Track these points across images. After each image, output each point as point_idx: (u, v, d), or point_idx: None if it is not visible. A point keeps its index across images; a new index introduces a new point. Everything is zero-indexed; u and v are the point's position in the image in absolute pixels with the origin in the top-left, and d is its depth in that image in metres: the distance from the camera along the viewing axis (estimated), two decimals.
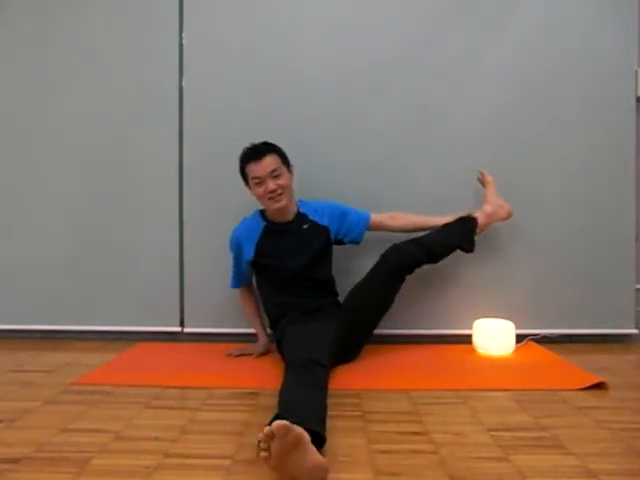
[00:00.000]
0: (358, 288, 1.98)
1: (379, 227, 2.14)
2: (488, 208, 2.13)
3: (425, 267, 2.01)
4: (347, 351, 1.92)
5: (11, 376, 1.84)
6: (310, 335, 1.73)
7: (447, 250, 2.06)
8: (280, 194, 1.95)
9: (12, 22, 2.35)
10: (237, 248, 2.07)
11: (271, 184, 1.93)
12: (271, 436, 1.06)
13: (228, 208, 2.24)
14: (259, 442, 1.08)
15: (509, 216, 2.18)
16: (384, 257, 1.97)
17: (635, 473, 1.14)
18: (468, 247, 2.08)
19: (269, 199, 1.96)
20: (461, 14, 2.26)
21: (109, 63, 2.33)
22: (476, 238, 2.09)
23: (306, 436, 1.08)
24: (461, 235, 2.07)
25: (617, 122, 2.27)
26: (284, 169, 1.98)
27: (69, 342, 2.31)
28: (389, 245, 1.99)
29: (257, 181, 1.95)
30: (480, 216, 2.12)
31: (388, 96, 2.27)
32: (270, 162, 1.94)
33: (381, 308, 1.99)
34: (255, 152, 1.96)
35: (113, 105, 2.33)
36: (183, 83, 2.32)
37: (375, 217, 2.13)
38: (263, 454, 1.07)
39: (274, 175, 1.94)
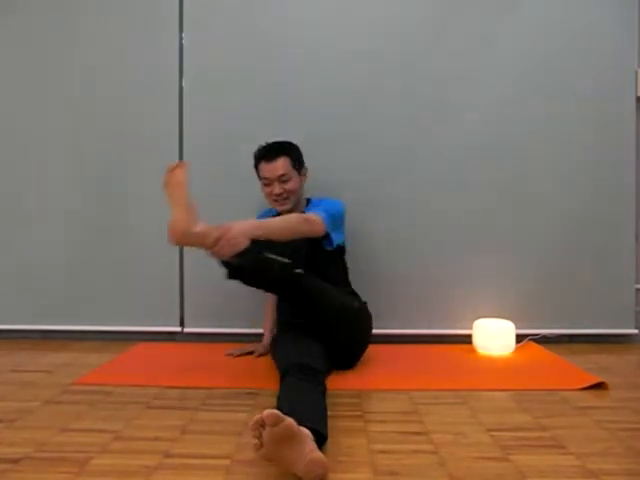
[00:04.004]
0: None
1: None
2: None
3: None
4: (342, 359, 1.83)
5: (11, 376, 1.83)
6: (303, 343, 1.68)
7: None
8: (285, 198, 1.96)
9: (12, 22, 2.35)
10: None
11: (277, 188, 1.93)
12: (261, 424, 1.05)
13: (228, 208, 2.24)
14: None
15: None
16: None
17: (635, 473, 1.14)
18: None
19: (274, 200, 1.97)
20: (461, 14, 2.26)
21: (109, 63, 2.33)
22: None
23: (304, 431, 1.08)
24: None
25: (617, 122, 2.27)
26: (294, 173, 1.97)
27: (69, 342, 2.31)
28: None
29: (265, 182, 1.97)
30: None
31: (388, 95, 2.27)
32: (280, 166, 1.93)
33: (328, 316, 1.76)
34: (268, 152, 1.96)
35: (113, 105, 2.32)
36: (183, 83, 2.32)
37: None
38: (254, 442, 1.07)
39: (282, 180, 1.94)
